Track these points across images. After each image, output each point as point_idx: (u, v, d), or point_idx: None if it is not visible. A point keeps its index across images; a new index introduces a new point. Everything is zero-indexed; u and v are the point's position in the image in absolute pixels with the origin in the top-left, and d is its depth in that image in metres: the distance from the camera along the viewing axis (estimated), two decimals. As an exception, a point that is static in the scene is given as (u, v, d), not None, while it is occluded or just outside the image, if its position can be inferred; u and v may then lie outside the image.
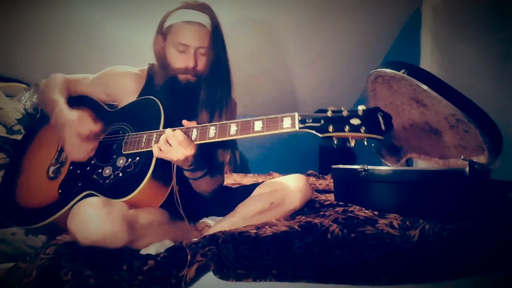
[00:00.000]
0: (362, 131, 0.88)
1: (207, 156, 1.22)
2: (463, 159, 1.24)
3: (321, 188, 1.87)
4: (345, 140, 0.93)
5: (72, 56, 2.62)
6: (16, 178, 1.27)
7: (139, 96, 1.32)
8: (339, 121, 0.91)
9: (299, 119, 0.95)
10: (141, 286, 0.88)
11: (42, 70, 2.77)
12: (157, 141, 1.09)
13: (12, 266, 0.96)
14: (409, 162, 1.93)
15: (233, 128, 1.03)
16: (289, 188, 1.26)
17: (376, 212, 1.24)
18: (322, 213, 1.27)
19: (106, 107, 1.34)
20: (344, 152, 3.52)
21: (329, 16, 2.83)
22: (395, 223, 1.14)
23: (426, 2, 2.68)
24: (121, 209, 1.02)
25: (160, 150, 1.05)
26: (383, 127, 0.89)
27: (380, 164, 1.96)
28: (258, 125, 1.00)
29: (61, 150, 1.25)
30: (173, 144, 1.03)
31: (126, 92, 1.33)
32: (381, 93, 1.69)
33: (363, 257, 0.96)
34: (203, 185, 1.26)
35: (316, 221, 1.14)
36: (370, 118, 0.90)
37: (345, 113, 0.92)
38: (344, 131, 0.90)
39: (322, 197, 1.51)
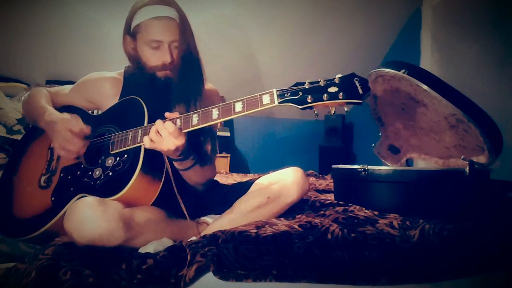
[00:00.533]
0: (340, 97, 0.91)
1: (194, 146, 1.23)
2: (463, 159, 1.24)
3: (321, 188, 1.87)
4: (326, 109, 0.95)
5: (72, 56, 2.62)
6: (12, 189, 1.27)
7: (120, 98, 1.33)
8: (317, 91, 0.93)
9: (278, 94, 0.97)
10: (140, 285, 0.88)
11: (42, 70, 2.78)
12: (143, 137, 1.10)
13: (11, 267, 0.96)
14: (409, 162, 1.93)
15: (215, 113, 1.04)
16: (286, 181, 1.25)
17: (376, 212, 1.24)
18: (322, 213, 1.27)
19: (88, 113, 1.37)
20: (344, 152, 3.52)
21: (329, 16, 2.83)
22: (395, 223, 1.14)
23: (426, 2, 2.69)
24: (117, 207, 1.02)
25: (151, 141, 1.06)
26: (360, 91, 0.91)
27: (380, 164, 1.95)
28: (238, 106, 1.01)
29: (51, 160, 1.27)
30: (164, 135, 1.04)
31: (107, 96, 1.34)
32: (381, 93, 1.69)
33: (363, 257, 0.96)
34: (194, 176, 1.27)
35: (316, 221, 1.14)
36: (347, 84, 0.92)
37: (322, 83, 0.94)
38: (323, 100, 0.92)
39: (322, 197, 1.51)
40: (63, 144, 1.13)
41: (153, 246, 1.03)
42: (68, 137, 1.12)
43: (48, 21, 2.44)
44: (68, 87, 1.41)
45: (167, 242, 1.08)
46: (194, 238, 1.12)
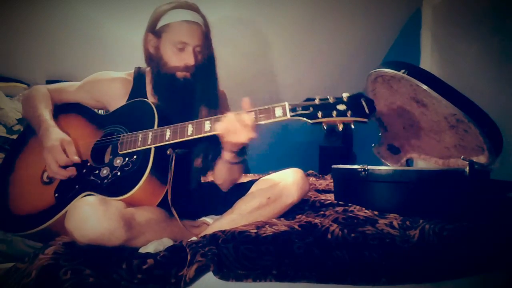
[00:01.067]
0: (348, 115, 0.98)
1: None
2: (463, 159, 1.24)
3: (321, 188, 1.87)
4: (334, 125, 1.02)
5: (72, 56, 2.62)
6: (8, 185, 1.26)
7: (128, 99, 1.33)
8: (327, 108, 1.00)
9: (290, 108, 1.02)
10: (140, 285, 0.88)
11: (42, 70, 2.78)
12: (153, 140, 1.12)
13: (11, 267, 0.96)
14: (409, 162, 1.93)
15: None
16: (286, 182, 1.26)
17: (376, 212, 1.24)
18: (322, 213, 1.27)
19: (95, 111, 1.36)
20: (344, 152, 3.52)
21: (329, 16, 2.83)
22: (395, 223, 1.14)
23: (426, 2, 2.68)
24: (118, 207, 1.02)
25: (228, 130, 1.06)
26: (366, 111, 0.98)
27: (380, 164, 1.96)
28: (251, 117, 1.05)
29: None
30: (239, 127, 1.04)
31: (114, 96, 1.34)
32: (381, 93, 1.69)
33: (363, 257, 0.96)
34: (236, 172, 1.30)
35: (316, 221, 1.14)
36: (355, 103, 0.99)
37: (331, 100, 1.00)
38: (332, 116, 0.99)
39: (322, 197, 1.51)
40: (51, 173, 1.15)
41: (154, 246, 1.03)
42: (54, 169, 1.13)
43: (48, 21, 2.43)
44: (74, 84, 1.40)
45: (167, 242, 1.08)
46: (194, 238, 1.12)
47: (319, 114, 0.99)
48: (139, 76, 1.38)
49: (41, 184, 1.21)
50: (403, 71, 1.44)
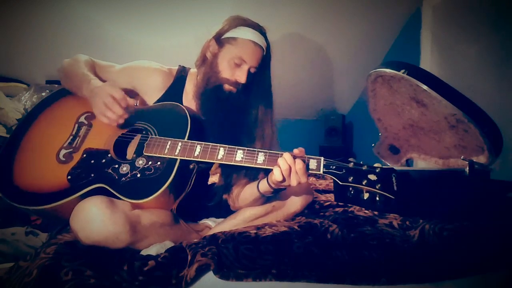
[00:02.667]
0: (377, 187, 0.99)
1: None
2: (463, 159, 1.24)
3: (321, 188, 1.87)
4: (359, 190, 1.03)
5: (72, 56, 2.62)
6: (16, 151, 1.20)
7: (164, 94, 1.32)
8: (359, 174, 1.02)
9: (324, 163, 1.06)
10: (142, 286, 0.88)
11: (42, 70, 2.78)
12: (182, 151, 1.10)
13: (13, 265, 0.96)
14: (409, 162, 1.93)
15: (261, 158, 1.08)
16: (290, 191, 1.27)
17: (376, 212, 1.24)
18: (322, 213, 1.27)
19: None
20: (344, 152, 3.52)
21: (329, 16, 2.83)
22: (395, 223, 1.14)
23: (426, 2, 2.69)
24: (125, 210, 1.02)
25: (281, 174, 1.04)
26: (395, 188, 0.99)
27: (380, 164, 1.95)
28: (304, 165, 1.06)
29: (76, 135, 1.21)
30: (293, 171, 1.04)
31: (153, 88, 1.33)
32: (381, 93, 1.69)
33: (363, 257, 0.96)
34: (260, 202, 1.26)
35: (316, 221, 1.14)
36: (385, 178, 1.00)
37: (364, 167, 1.03)
38: (362, 184, 1.00)
39: (322, 197, 1.51)
40: (103, 110, 1.12)
41: (156, 249, 1.03)
42: (109, 103, 1.11)
43: (48, 21, 2.43)
44: (114, 65, 1.39)
45: (169, 245, 1.08)
46: (195, 240, 1.12)
47: (350, 178, 1.01)
48: (181, 75, 1.37)
49: (56, 162, 1.15)
50: (403, 71, 1.44)
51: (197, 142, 1.12)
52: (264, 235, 1.02)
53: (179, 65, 1.41)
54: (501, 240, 1.04)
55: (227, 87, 1.26)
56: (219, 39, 1.28)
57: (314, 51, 3.12)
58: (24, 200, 1.10)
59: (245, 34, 1.25)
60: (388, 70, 1.50)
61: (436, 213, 1.17)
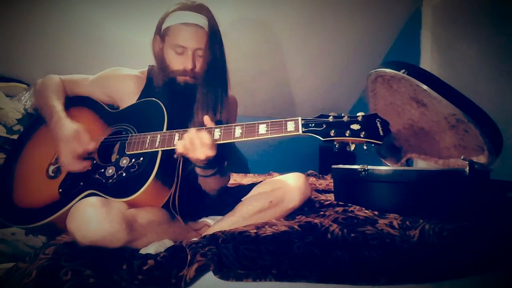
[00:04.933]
0: (361, 135, 0.94)
1: (216, 157, 1.22)
2: (463, 159, 1.24)
3: (321, 188, 1.87)
4: (345, 144, 0.99)
5: (72, 56, 2.62)
6: (13, 176, 1.25)
7: (139, 97, 1.32)
8: (340, 126, 0.97)
9: (302, 123, 1.00)
10: (141, 285, 0.88)
11: (42, 70, 2.77)
12: (161, 143, 1.10)
13: (12, 266, 0.96)
14: (409, 162, 1.93)
15: (238, 131, 1.06)
16: (288, 186, 1.26)
17: (376, 212, 1.24)
18: (322, 213, 1.27)
19: (107, 108, 1.34)
20: (344, 152, 3.52)
21: (329, 16, 2.83)
22: (395, 223, 1.14)
23: (426, 2, 2.68)
24: (121, 209, 1.02)
25: (184, 147, 1.05)
26: (381, 132, 0.95)
27: (380, 164, 1.95)
28: (262, 129, 1.04)
29: None
30: (197, 144, 1.04)
31: (127, 93, 1.33)
32: (381, 93, 1.69)
33: (363, 257, 0.96)
34: (211, 183, 1.27)
35: (316, 221, 1.14)
36: (369, 124, 0.96)
37: (345, 118, 0.97)
38: (345, 136, 0.95)
39: (322, 197, 1.51)
40: (66, 165, 1.14)
41: (154, 247, 1.03)
42: (69, 161, 1.13)
43: (48, 21, 2.43)
44: (87, 78, 1.39)
45: (168, 244, 1.08)
46: (194, 239, 1.12)
47: (332, 132, 0.97)
48: (152, 75, 1.36)
49: (46, 178, 1.20)
50: (403, 71, 1.43)
51: (175, 130, 1.12)
52: (264, 235, 1.02)
53: (149, 65, 1.40)
54: (501, 240, 1.04)
55: (180, 78, 1.24)
56: (160, 32, 1.27)
57: (314, 51, 3.12)
58: (22, 220, 1.14)
59: (176, 19, 1.22)
60: (388, 70, 1.50)
61: (436, 213, 1.17)
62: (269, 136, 1.02)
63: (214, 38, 1.24)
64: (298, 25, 2.87)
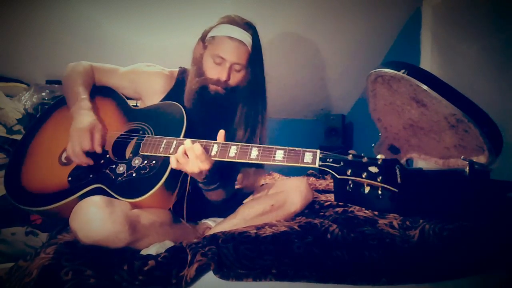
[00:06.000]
0: (378, 180, 0.89)
1: (224, 173, 1.22)
2: (463, 159, 1.24)
3: (321, 188, 1.87)
4: (360, 184, 0.94)
5: (72, 56, 2.61)
6: (25, 156, 1.25)
7: (165, 97, 1.33)
8: (358, 167, 0.93)
9: (320, 156, 0.98)
10: (142, 286, 0.88)
11: (42, 70, 2.78)
12: (176, 149, 1.09)
13: (13, 265, 0.96)
14: (409, 162, 1.93)
15: (254, 153, 1.03)
16: (291, 190, 1.27)
17: (376, 212, 1.24)
18: (322, 213, 1.27)
19: (129, 104, 1.35)
20: (344, 152, 3.52)
21: (329, 16, 2.83)
22: (395, 223, 1.14)
23: (426, 2, 2.68)
24: (124, 209, 1.02)
25: (177, 161, 1.04)
26: (399, 180, 0.89)
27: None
28: (279, 155, 1.01)
29: None
30: (191, 157, 1.03)
31: (154, 91, 1.34)
32: (381, 93, 1.69)
33: (363, 257, 0.96)
34: (213, 195, 1.26)
35: (316, 221, 1.15)
36: (388, 169, 0.90)
37: (365, 159, 0.93)
38: (361, 177, 0.91)
39: (322, 197, 1.51)
40: (70, 154, 1.14)
41: (155, 248, 1.03)
42: (76, 152, 1.13)
43: (48, 21, 2.43)
44: (117, 69, 1.40)
45: (169, 245, 1.08)
46: (195, 240, 1.12)
47: (349, 171, 0.92)
48: (182, 77, 1.37)
49: (58, 164, 1.20)
50: (403, 71, 1.44)
51: (190, 140, 1.11)
52: (264, 235, 1.02)
53: (180, 67, 1.41)
54: (501, 240, 1.04)
55: (212, 87, 1.25)
56: (204, 40, 1.28)
57: (314, 51, 3.12)
58: (28, 202, 1.14)
59: (222, 31, 1.24)
60: (388, 70, 1.50)
61: (436, 213, 1.17)
62: (285, 164, 1.00)
63: (256, 57, 1.27)
64: (298, 25, 2.87)
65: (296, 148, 1.01)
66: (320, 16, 2.82)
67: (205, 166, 1.03)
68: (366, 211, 1.25)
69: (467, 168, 1.22)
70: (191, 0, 2.47)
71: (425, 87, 1.38)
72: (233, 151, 1.05)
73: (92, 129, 1.15)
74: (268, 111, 1.36)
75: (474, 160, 1.25)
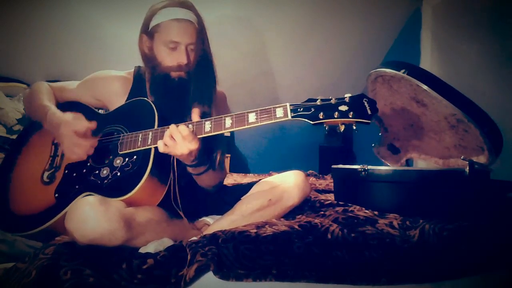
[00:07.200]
0: (350, 116, 0.97)
1: (206, 152, 1.24)
2: (463, 159, 1.24)
3: (321, 188, 1.87)
4: (335, 126, 1.01)
5: (72, 56, 2.62)
6: (9, 184, 1.26)
7: (128, 98, 1.33)
8: (329, 108, 0.99)
9: (291, 108, 1.01)
10: (140, 285, 0.88)
11: (42, 70, 2.78)
12: (153, 140, 1.11)
13: (11, 267, 0.96)
14: (409, 162, 1.93)
15: (228, 121, 1.06)
16: (287, 184, 1.26)
17: (376, 212, 1.24)
18: (322, 213, 1.27)
19: (96, 111, 1.36)
20: (344, 152, 3.52)
21: (329, 16, 2.83)
22: (395, 223, 1.14)
23: (426, 2, 2.68)
24: (118, 207, 1.02)
25: (166, 145, 1.06)
26: (369, 112, 0.97)
27: (380, 164, 1.95)
28: (252, 117, 1.05)
29: (55, 155, 1.26)
30: (178, 139, 1.04)
31: (115, 95, 1.34)
32: (381, 93, 1.69)
33: (363, 257, 0.96)
34: (206, 179, 1.27)
35: (316, 221, 1.14)
36: (357, 104, 0.98)
37: (333, 101, 0.99)
38: (334, 117, 0.97)
39: (322, 197, 1.51)
40: (71, 148, 1.14)
41: (154, 246, 1.03)
42: (75, 140, 1.13)
43: (48, 21, 2.43)
44: (74, 83, 1.40)
45: (167, 242, 1.08)
46: (194, 238, 1.12)
47: (321, 115, 0.98)
48: (138, 75, 1.37)
49: (41, 184, 1.21)
50: (403, 71, 1.44)
51: (166, 127, 1.12)
52: (265, 234, 1.02)
53: (135, 66, 1.41)
54: (501, 240, 1.04)
55: (174, 74, 1.25)
56: (148, 32, 1.27)
57: (314, 51, 3.12)
58: (19, 227, 1.15)
59: (166, 15, 1.23)
60: (388, 70, 1.50)
61: (436, 213, 1.17)
62: (259, 123, 1.03)
63: (203, 33, 1.27)
64: (298, 25, 2.87)
65: (267, 107, 1.04)
66: (320, 16, 2.82)
67: (194, 145, 1.05)
68: (366, 211, 1.25)
69: (467, 168, 1.21)
70: (192, 1, 2.47)
71: (425, 87, 1.38)
72: (208, 126, 1.08)
73: (76, 116, 1.16)
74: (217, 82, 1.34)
75: (474, 160, 1.25)
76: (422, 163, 2.09)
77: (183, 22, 1.22)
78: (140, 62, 1.43)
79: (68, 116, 1.17)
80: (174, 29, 1.22)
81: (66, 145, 1.15)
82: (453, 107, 1.36)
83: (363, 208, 1.28)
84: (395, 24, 2.97)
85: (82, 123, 1.14)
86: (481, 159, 1.42)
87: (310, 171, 2.66)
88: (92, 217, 0.96)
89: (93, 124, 1.15)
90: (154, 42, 1.26)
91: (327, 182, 2.19)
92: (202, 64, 1.27)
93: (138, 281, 0.88)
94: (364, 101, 0.98)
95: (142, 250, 1.02)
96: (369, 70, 1.62)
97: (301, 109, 1.00)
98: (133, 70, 1.40)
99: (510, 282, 0.99)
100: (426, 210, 1.20)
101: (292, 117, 1.00)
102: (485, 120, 1.36)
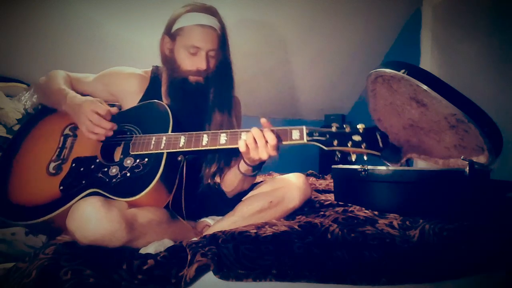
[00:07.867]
0: (362, 147, 1.01)
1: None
2: (463, 159, 1.24)
3: (321, 188, 1.87)
4: (346, 153, 1.05)
5: (72, 56, 2.62)
6: (10, 172, 1.23)
7: (143, 97, 1.32)
8: (343, 137, 1.04)
9: (307, 132, 1.05)
10: (141, 285, 0.88)
11: (42, 70, 2.78)
12: (166, 145, 1.11)
13: (11, 267, 0.96)
14: (409, 162, 1.93)
15: (244, 136, 1.08)
16: (289, 186, 1.26)
17: (376, 212, 1.24)
18: (322, 213, 1.27)
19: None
20: (344, 152, 3.52)
21: (329, 16, 2.83)
22: (395, 223, 1.14)
23: (426, 2, 2.69)
24: (120, 208, 1.02)
25: (247, 146, 1.06)
26: (380, 145, 1.02)
27: (380, 164, 1.95)
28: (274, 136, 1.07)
29: (63, 147, 1.24)
30: (260, 144, 1.05)
31: (130, 92, 1.34)
32: (381, 93, 1.69)
33: (363, 257, 0.96)
34: (248, 183, 1.30)
35: (316, 221, 1.14)
36: (370, 136, 1.03)
37: (347, 129, 1.04)
38: (347, 146, 1.02)
39: (322, 197, 1.51)
40: (91, 127, 1.14)
41: (154, 247, 1.03)
42: (95, 120, 1.13)
43: (48, 21, 2.43)
44: (90, 76, 1.40)
45: (168, 243, 1.08)
46: (194, 238, 1.12)
47: (335, 142, 1.03)
48: (156, 75, 1.37)
49: (46, 175, 1.18)
50: (403, 71, 1.43)
51: (181, 133, 1.13)
52: (265, 235, 1.02)
53: (153, 66, 1.41)
54: (501, 240, 1.04)
55: (192, 78, 1.26)
56: (170, 34, 1.28)
57: (314, 51, 3.12)
58: (19, 216, 1.12)
59: (190, 20, 1.24)
60: (388, 70, 1.50)
61: (436, 213, 1.17)
62: (280, 144, 1.07)
63: (224, 40, 1.28)
64: (298, 25, 2.88)
65: (282, 127, 1.08)
66: (320, 16, 2.83)
67: (275, 153, 1.07)
68: (366, 211, 1.25)
69: (467, 168, 1.21)
70: (192, 0, 2.47)
71: (425, 87, 1.38)
72: (223, 139, 1.10)
73: (97, 100, 1.17)
74: (235, 91, 1.37)
75: (474, 160, 1.25)
76: (422, 163, 2.09)
77: (206, 28, 1.23)
78: (142, 62, 1.43)
79: (89, 97, 1.19)
80: (196, 34, 1.23)
81: (86, 124, 1.15)
82: (453, 107, 1.36)
83: (363, 208, 1.28)
84: (395, 24, 2.98)
85: (104, 106, 1.16)
86: (481, 159, 1.42)
87: (310, 171, 2.66)
88: (94, 218, 0.95)
89: (114, 109, 1.16)
90: (175, 45, 1.27)
91: (327, 182, 2.20)
92: (222, 71, 1.29)
93: (139, 282, 0.88)
94: (377, 134, 1.03)
95: (143, 250, 1.02)
96: (369, 70, 1.62)
97: (317, 134, 1.05)
98: (150, 69, 1.40)
99: (510, 282, 0.99)
100: (426, 210, 1.20)
101: (308, 140, 1.05)
102: (485, 120, 1.36)
